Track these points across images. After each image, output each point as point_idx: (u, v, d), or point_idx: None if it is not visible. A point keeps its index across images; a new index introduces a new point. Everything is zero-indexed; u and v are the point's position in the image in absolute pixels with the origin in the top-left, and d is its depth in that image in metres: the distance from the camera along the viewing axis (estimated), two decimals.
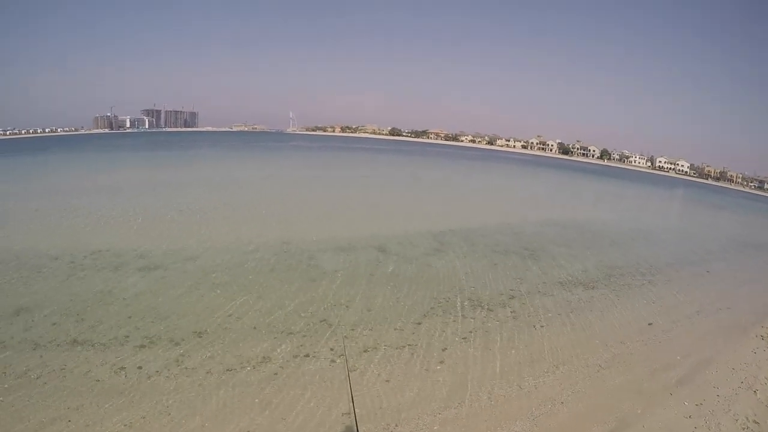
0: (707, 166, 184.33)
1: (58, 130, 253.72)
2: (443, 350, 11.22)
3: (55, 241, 18.48)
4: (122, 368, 9.55)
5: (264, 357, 10.37)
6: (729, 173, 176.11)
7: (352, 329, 12.08)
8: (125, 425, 7.85)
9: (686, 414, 9.21)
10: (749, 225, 50.72)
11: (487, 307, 14.20)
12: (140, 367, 9.62)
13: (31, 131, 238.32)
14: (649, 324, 13.98)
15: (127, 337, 10.92)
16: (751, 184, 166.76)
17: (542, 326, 13.09)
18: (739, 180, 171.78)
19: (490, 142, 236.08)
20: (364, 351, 10.98)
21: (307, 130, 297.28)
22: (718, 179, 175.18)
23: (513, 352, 11.40)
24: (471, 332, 12.33)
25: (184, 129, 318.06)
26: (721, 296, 18.04)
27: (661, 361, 11.56)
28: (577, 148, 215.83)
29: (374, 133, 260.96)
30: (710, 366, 11.51)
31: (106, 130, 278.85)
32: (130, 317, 11.96)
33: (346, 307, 13.51)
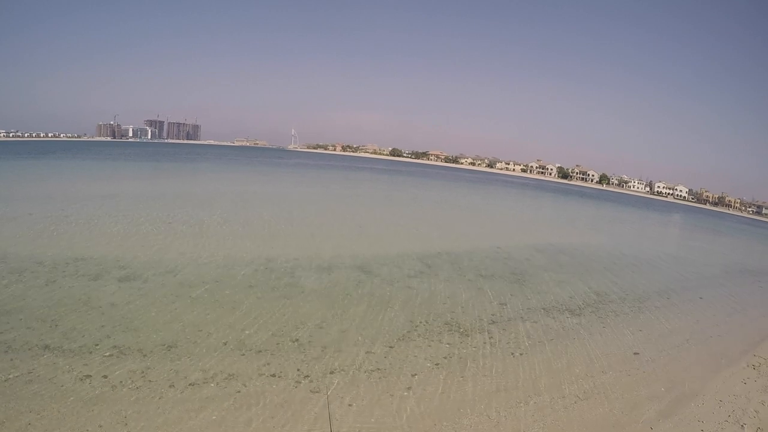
0: (705, 191, 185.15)
1: (61, 135, 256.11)
2: (412, 376, 10.70)
3: (41, 247, 18.44)
4: (88, 376, 9.44)
5: (229, 374, 10.04)
6: (727, 198, 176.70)
7: (323, 350, 11.63)
8: None
9: None
10: (746, 250, 50.41)
11: (464, 332, 13.67)
12: (105, 376, 9.48)
13: (33, 135, 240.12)
14: (635, 353, 13.44)
15: (97, 345, 10.77)
16: (749, 209, 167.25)
17: (520, 354, 12.54)
18: (737, 205, 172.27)
19: (489, 165, 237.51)
20: (330, 373, 10.51)
21: (308, 147, 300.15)
22: (716, 204, 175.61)
23: (485, 379, 10.85)
24: (444, 358, 11.80)
25: (186, 141, 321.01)
26: (713, 324, 17.54)
27: (644, 392, 10.99)
28: (577, 173, 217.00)
29: (375, 153, 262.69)
30: (696, 398, 10.95)
31: (109, 138, 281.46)
32: (103, 326, 11.80)
33: (320, 327, 13.05)
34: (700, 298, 21.67)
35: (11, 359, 9.84)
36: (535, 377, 11.26)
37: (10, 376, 9.19)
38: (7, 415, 8.02)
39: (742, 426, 9.76)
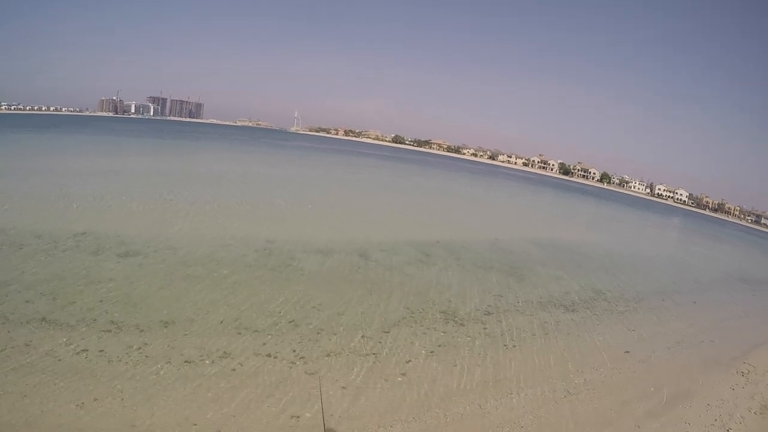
0: (706, 196, 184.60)
1: (63, 109, 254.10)
2: (407, 362, 10.84)
3: (42, 221, 18.43)
4: (84, 350, 9.55)
5: (225, 352, 10.17)
6: (727, 205, 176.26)
7: (319, 332, 11.75)
8: (77, 405, 7.86)
9: None
10: (742, 258, 50.46)
11: (459, 321, 13.80)
12: (102, 351, 9.59)
13: (35, 108, 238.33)
14: (626, 352, 13.57)
15: (95, 320, 10.85)
16: (748, 218, 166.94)
17: (514, 346, 12.66)
18: (737, 212, 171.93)
19: (491, 157, 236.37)
20: (326, 355, 10.64)
21: (310, 130, 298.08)
22: (715, 210, 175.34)
23: (479, 369, 10.99)
24: (439, 346, 11.93)
25: (188, 119, 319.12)
26: (705, 328, 17.60)
27: (633, 391, 11.12)
28: (578, 170, 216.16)
29: (377, 139, 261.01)
30: (685, 400, 11.07)
31: (111, 114, 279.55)
32: (101, 301, 11.89)
33: (317, 309, 13.17)
34: (694, 302, 21.78)
35: (8, 331, 9.91)
36: (527, 370, 11.38)
37: (7, 348, 9.26)
38: (4, 386, 8.09)
39: (727, 431, 9.88)
